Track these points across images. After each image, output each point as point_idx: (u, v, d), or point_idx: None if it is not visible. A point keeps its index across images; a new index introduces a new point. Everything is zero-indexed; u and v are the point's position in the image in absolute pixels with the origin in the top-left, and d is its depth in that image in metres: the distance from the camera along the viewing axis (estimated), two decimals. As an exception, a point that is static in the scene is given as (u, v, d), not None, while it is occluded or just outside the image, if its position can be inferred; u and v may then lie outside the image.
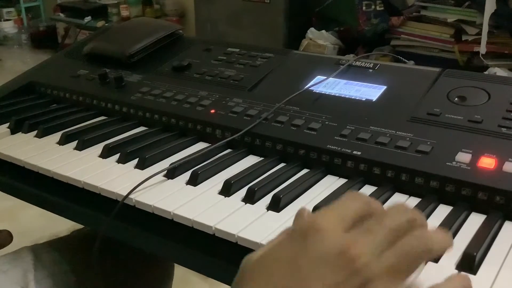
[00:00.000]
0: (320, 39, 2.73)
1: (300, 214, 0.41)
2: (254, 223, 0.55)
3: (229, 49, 0.91)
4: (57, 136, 0.77)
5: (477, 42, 2.32)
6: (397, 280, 0.36)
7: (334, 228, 0.37)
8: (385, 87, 0.75)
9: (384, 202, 0.58)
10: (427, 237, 0.38)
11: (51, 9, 4.71)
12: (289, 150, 0.67)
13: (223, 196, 0.60)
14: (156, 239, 0.59)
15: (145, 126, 0.80)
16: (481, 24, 2.29)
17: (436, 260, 0.47)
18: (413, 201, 0.58)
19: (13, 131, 0.81)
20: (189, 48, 0.95)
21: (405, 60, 0.88)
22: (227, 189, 0.61)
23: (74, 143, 0.75)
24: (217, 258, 0.54)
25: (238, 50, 0.91)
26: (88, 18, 4.12)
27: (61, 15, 4.39)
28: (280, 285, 0.36)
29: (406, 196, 0.59)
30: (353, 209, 0.39)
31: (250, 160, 0.68)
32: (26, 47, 4.76)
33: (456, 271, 0.46)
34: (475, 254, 0.46)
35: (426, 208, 0.55)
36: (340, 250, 0.35)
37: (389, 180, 0.60)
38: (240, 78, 0.82)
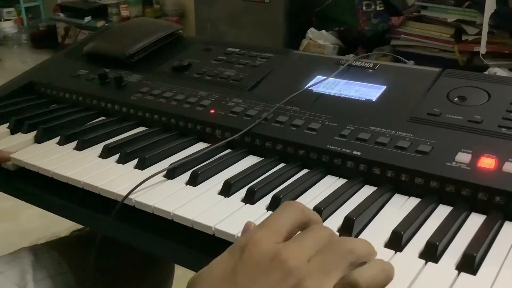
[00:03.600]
0: (320, 39, 2.73)
1: (247, 227, 0.45)
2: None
3: (229, 49, 0.91)
4: (57, 136, 0.77)
5: (477, 42, 2.32)
6: (327, 278, 0.39)
7: (267, 239, 0.41)
8: (385, 87, 0.75)
9: (384, 203, 0.58)
10: (349, 240, 0.42)
11: (51, 9, 4.71)
12: (289, 150, 0.67)
13: (223, 197, 0.60)
14: (156, 239, 0.59)
15: (145, 126, 0.80)
16: (481, 24, 2.29)
17: (436, 260, 0.47)
18: (413, 201, 0.58)
19: (13, 131, 0.81)
20: (189, 48, 0.95)
21: (405, 60, 0.88)
22: (227, 190, 0.61)
23: (74, 143, 0.75)
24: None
25: (238, 50, 0.91)
26: (88, 18, 4.13)
27: (61, 15, 4.40)
28: None
29: (406, 197, 0.59)
30: (287, 220, 0.43)
31: (250, 160, 0.68)
32: (26, 47, 4.76)
33: (456, 271, 0.46)
34: (475, 254, 0.46)
35: (426, 208, 0.55)
36: (273, 255, 0.39)
37: (389, 180, 0.60)
38: (240, 78, 0.82)
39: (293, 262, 0.38)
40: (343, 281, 0.39)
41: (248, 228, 0.46)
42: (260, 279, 0.38)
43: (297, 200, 0.59)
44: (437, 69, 0.76)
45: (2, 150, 0.74)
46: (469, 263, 0.46)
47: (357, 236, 0.52)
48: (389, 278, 0.42)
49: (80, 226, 0.85)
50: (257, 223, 0.54)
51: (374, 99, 0.73)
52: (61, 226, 0.82)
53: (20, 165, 0.72)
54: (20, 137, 0.79)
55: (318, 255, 0.40)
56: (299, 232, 0.43)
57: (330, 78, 0.78)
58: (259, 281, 0.38)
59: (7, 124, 0.83)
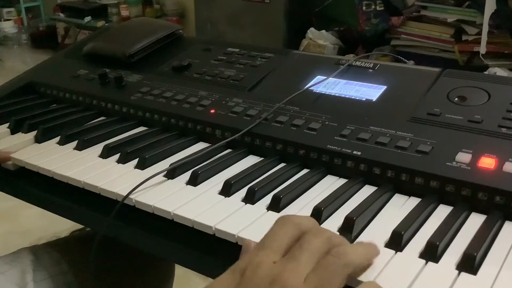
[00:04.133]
0: (320, 39, 2.73)
1: (246, 247, 0.48)
2: (254, 224, 0.54)
3: (229, 49, 0.91)
4: (57, 136, 0.77)
5: (477, 42, 2.32)
6: None
7: (267, 261, 0.42)
8: (385, 87, 0.75)
9: (384, 203, 0.58)
10: (346, 252, 0.43)
11: (51, 9, 4.71)
12: (289, 150, 0.67)
13: (223, 196, 0.60)
14: (156, 239, 0.59)
15: (145, 126, 0.80)
16: (481, 24, 2.29)
17: (437, 260, 0.47)
18: (413, 201, 0.58)
19: (13, 131, 0.81)
20: (189, 48, 0.95)
21: (405, 60, 0.88)
22: (227, 189, 0.61)
23: (74, 143, 0.75)
24: (217, 258, 0.54)
25: (238, 50, 0.91)
26: (88, 18, 4.13)
27: (61, 15, 4.40)
28: None
29: (406, 196, 0.59)
30: (285, 238, 0.44)
31: (250, 160, 0.68)
32: (26, 47, 4.76)
33: (457, 271, 0.46)
34: (475, 254, 0.46)
35: (426, 208, 0.55)
36: (271, 280, 0.40)
37: (389, 180, 0.60)
38: (240, 78, 0.82)
39: (291, 285, 0.40)
40: None
41: (247, 247, 0.48)
42: None
43: (297, 200, 0.59)
44: (437, 69, 0.76)
45: (2, 150, 0.74)
46: (470, 263, 0.46)
47: (357, 236, 0.52)
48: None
49: (80, 226, 0.85)
50: (258, 223, 0.55)
51: (374, 99, 0.73)
52: (61, 226, 0.82)
53: (20, 165, 0.72)
54: (20, 137, 0.79)
55: (314, 273, 0.41)
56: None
57: (330, 78, 0.78)
58: None
59: (7, 124, 0.83)
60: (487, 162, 0.57)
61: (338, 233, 0.47)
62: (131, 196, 0.60)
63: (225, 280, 0.42)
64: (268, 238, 0.45)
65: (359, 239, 0.51)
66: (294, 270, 0.41)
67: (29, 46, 4.74)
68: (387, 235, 0.50)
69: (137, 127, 0.80)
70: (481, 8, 2.28)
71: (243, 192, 0.60)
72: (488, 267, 0.46)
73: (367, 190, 0.60)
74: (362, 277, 0.45)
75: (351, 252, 0.43)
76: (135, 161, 0.69)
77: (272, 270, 0.41)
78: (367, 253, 0.46)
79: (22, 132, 0.80)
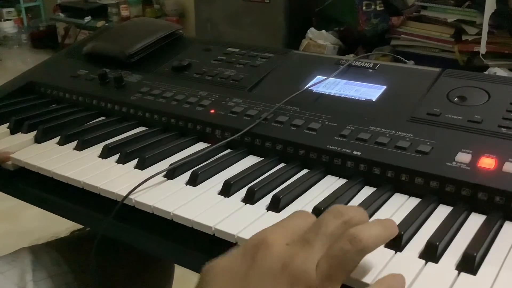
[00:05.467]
0: (320, 39, 2.73)
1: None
2: (254, 224, 0.54)
3: (229, 49, 0.91)
4: (57, 136, 0.77)
5: (477, 42, 2.32)
6: (334, 283, 0.39)
7: (279, 242, 0.41)
8: (385, 87, 0.75)
9: (384, 203, 0.58)
10: (360, 236, 0.40)
11: (51, 9, 4.71)
12: (289, 150, 0.67)
13: (223, 197, 0.60)
14: (156, 239, 0.59)
15: (145, 126, 0.80)
16: (481, 24, 2.29)
17: (437, 260, 0.47)
18: (413, 201, 0.58)
19: (13, 131, 0.81)
20: (189, 48, 0.95)
21: (405, 60, 0.88)
22: (227, 190, 0.61)
23: (74, 143, 0.75)
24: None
25: (238, 50, 0.91)
26: (88, 18, 4.13)
27: (61, 15, 4.40)
28: None
29: (406, 197, 0.59)
30: (298, 224, 0.43)
31: (250, 160, 0.68)
32: (26, 47, 4.76)
33: (456, 271, 0.46)
34: (475, 254, 0.46)
35: (426, 208, 0.55)
36: (282, 264, 0.40)
37: (389, 180, 0.60)
38: (240, 78, 0.82)
39: (301, 273, 0.39)
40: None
41: None
42: (271, 285, 0.39)
43: (297, 200, 0.59)
44: (437, 69, 0.76)
45: (2, 151, 0.74)
46: (469, 263, 0.46)
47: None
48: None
49: (80, 226, 0.85)
50: (257, 223, 0.55)
51: (374, 99, 0.73)
52: (61, 226, 0.82)
53: (20, 165, 0.72)
54: (20, 137, 0.79)
55: (326, 259, 0.40)
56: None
57: (330, 78, 0.78)
58: (270, 287, 0.39)
59: (7, 124, 0.83)
60: (487, 162, 0.57)
61: (360, 208, 0.45)
62: (131, 196, 0.60)
63: (237, 260, 0.41)
64: (282, 222, 0.44)
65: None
66: (307, 256, 0.40)
67: (29, 46, 4.74)
68: (387, 235, 0.50)
69: (137, 127, 0.80)
70: (481, 8, 2.28)
71: (243, 192, 0.60)
72: (488, 267, 0.46)
73: (367, 190, 0.60)
74: (361, 277, 0.45)
75: (367, 237, 0.40)
76: (135, 161, 0.69)
77: (284, 253, 0.40)
78: (384, 235, 0.43)
79: (22, 132, 0.80)
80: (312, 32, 2.76)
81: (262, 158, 0.68)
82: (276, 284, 0.39)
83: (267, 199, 0.58)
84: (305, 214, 0.45)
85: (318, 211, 0.54)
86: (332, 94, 0.75)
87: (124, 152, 0.70)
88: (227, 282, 0.40)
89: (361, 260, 0.41)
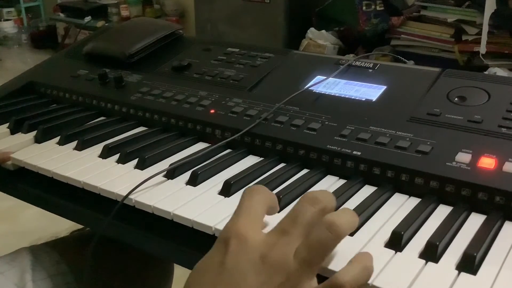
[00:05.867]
0: (320, 39, 2.73)
1: None
2: (254, 223, 0.54)
3: (229, 49, 0.91)
4: (57, 136, 0.77)
5: (477, 42, 2.32)
6: (312, 270, 0.41)
7: (253, 233, 0.42)
8: (385, 87, 0.75)
9: (384, 203, 0.58)
10: (336, 223, 0.41)
11: (51, 9, 4.71)
12: (289, 150, 0.67)
13: (223, 196, 0.60)
14: (156, 239, 0.59)
15: (145, 126, 0.80)
16: (481, 24, 2.29)
17: (437, 260, 0.47)
18: (413, 201, 0.58)
19: (13, 131, 0.81)
20: (189, 48, 0.95)
21: (405, 60, 0.88)
22: (227, 189, 0.61)
23: (74, 143, 0.75)
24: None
25: (238, 50, 0.91)
26: (88, 18, 4.13)
27: (61, 15, 4.40)
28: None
29: (406, 197, 0.59)
30: (259, 206, 0.45)
31: (250, 160, 0.68)
32: (26, 47, 4.76)
33: (457, 271, 0.46)
34: (475, 254, 0.46)
35: (426, 208, 0.55)
36: (261, 255, 0.40)
37: (389, 180, 0.60)
38: (240, 78, 0.82)
39: (280, 263, 0.40)
40: (328, 283, 0.40)
41: None
42: (250, 277, 0.40)
43: (296, 200, 0.59)
44: (437, 69, 0.76)
45: (2, 151, 0.74)
46: (469, 263, 0.46)
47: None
48: (370, 275, 0.43)
49: (80, 226, 0.85)
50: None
51: (374, 99, 0.73)
52: (61, 226, 0.82)
53: (20, 165, 0.72)
54: (20, 137, 0.79)
55: (304, 246, 0.41)
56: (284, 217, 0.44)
57: (330, 78, 0.78)
58: (249, 279, 0.40)
59: (7, 124, 0.83)
60: (487, 162, 0.57)
61: (328, 192, 0.46)
62: (131, 196, 0.60)
63: (212, 254, 0.43)
64: (242, 208, 0.44)
65: (359, 239, 0.51)
66: (285, 246, 0.41)
67: (29, 46, 4.74)
68: (387, 235, 0.50)
69: (137, 127, 0.80)
70: (481, 8, 2.28)
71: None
72: (488, 267, 0.46)
73: (367, 190, 0.60)
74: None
75: (342, 222, 0.42)
76: (135, 161, 0.69)
77: (261, 244, 0.41)
78: (354, 220, 0.45)
79: (22, 132, 0.80)
80: (312, 32, 2.76)
81: (262, 158, 0.68)
82: (256, 275, 0.39)
83: (269, 191, 0.58)
84: (260, 192, 0.46)
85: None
86: (332, 94, 0.75)
87: (124, 152, 0.70)
88: (208, 281, 0.41)
89: (336, 245, 0.42)
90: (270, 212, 0.48)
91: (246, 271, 0.40)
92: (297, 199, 0.45)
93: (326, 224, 0.41)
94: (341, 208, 0.47)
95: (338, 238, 0.42)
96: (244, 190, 0.47)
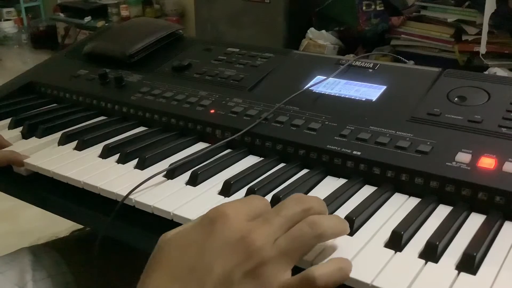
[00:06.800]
0: (320, 39, 2.73)
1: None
2: (254, 223, 0.54)
3: (229, 49, 0.91)
4: (57, 136, 0.77)
5: (477, 42, 2.32)
6: (288, 262, 0.42)
7: (238, 216, 0.43)
8: (385, 87, 0.75)
9: (383, 202, 0.58)
10: (319, 222, 0.43)
11: (51, 9, 4.71)
12: (289, 150, 0.67)
13: (223, 196, 0.60)
14: (156, 239, 0.59)
15: (145, 126, 0.80)
16: (481, 24, 2.29)
17: (436, 260, 0.47)
18: (413, 201, 0.58)
19: (12, 129, 0.81)
20: (189, 48, 0.95)
21: (405, 60, 0.88)
22: (227, 189, 0.61)
23: (74, 143, 0.75)
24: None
25: (238, 50, 0.91)
26: (88, 18, 4.13)
27: (61, 15, 4.40)
28: (188, 264, 0.41)
29: (406, 196, 0.59)
30: (257, 205, 0.45)
31: (250, 160, 0.68)
32: (26, 47, 4.76)
33: (456, 271, 0.46)
34: (475, 254, 0.46)
35: (426, 208, 0.55)
36: (240, 236, 0.41)
37: (389, 180, 0.60)
38: (240, 78, 0.82)
39: (257, 247, 0.41)
40: (301, 275, 0.41)
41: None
42: (226, 255, 0.41)
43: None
44: (437, 69, 0.76)
45: (15, 152, 0.74)
46: (469, 263, 0.46)
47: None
48: (345, 277, 0.44)
49: (80, 226, 0.85)
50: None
51: (374, 99, 0.73)
52: (61, 226, 0.82)
53: (20, 165, 0.72)
54: (19, 135, 0.79)
55: (284, 238, 0.42)
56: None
57: (330, 78, 0.78)
58: (224, 257, 0.40)
59: (7, 124, 0.83)
60: (487, 162, 0.57)
61: (320, 199, 0.48)
62: (131, 196, 0.60)
63: (195, 228, 0.43)
64: (242, 200, 0.46)
65: (359, 239, 0.51)
66: (265, 232, 0.42)
67: (29, 46, 4.74)
68: (386, 235, 0.50)
69: (137, 127, 0.80)
70: (481, 8, 2.28)
71: (243, 192, 0.60)
72: (487, 267, 0.46)
73: (367, 190, 0.60)
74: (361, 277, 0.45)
75: (325, 224, 0.44)
76: (135, 161, 0.69)
77: (242, 227, 0.42)
78: (340, 228, 0.47)
79: (21, 132, 0.80)
80: (312, 32, 2.76)
81: (262, 158, 0.69)
82: (232, 254, 0.40)
83: (267, 199, 0.58)
84: (263, 198, 0.47)
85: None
86: (332, 94, 0.76)
87: (124, 152, 0.70)
88: (183, 251, 0.42)
89: (315, 245, 0.44)
90: None
91: (223, 250, 0.41)
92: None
93: (309, 221, 0.43)
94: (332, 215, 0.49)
95: (318, 237, 0.43)
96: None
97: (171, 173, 0.65)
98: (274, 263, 0.41)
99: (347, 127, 0.66)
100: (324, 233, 0.44)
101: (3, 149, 0.74)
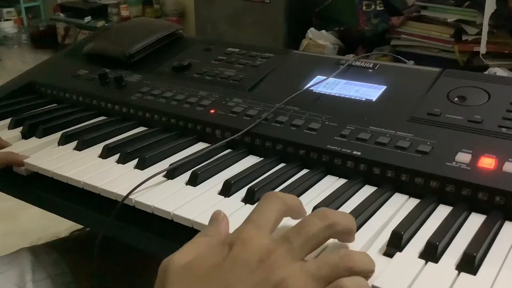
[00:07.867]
0: (320, 39, 2.73)
1: (215, 218, 0.47)
2: (254, 223, 0.54)
3: (229, 49, 0.91)
4: (57, 136, 0.77)
5: (477, 42, 2.32)
6: (316, 285, 0.39)
7: (257, 237, 0.41)
8: (385, 87, 0.75)
9: (383, 202, 0.58)
10: (353, 259, 0.40)
11: (51, 9, 4.71)
12: (289, 150, 0.67)
13: (223, 197, 0.60)
14: (156, 239, 0.59)
15: (145, 126, 0.80)
16: (481, 24, 2.29)
17: (436, 260, 0.47)
18: (413, 201, 0.58)
19: (12, 128, 0.81)
20: (189, 48, 0.95)
21: (405, 60, 0.88)
22: (227, 189, 0.61)
23: (74, 143, 0.75)
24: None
25: (238, 50, 0.91)
26: (88, 18, 4.13)
27: (61, 15, 4.40)
28: None
29: (406, 196, 0.59)
30: (272, 213, 0.44)
31: (250, 160, 0.68)
32: (26, 47, 4.76)
33: (456, 271, 0.46)
34: (475, 254, 0.46)
35: (426, 208, 0.55)
36: (260, 257, 0.40)
37: (389, 180, 0.60)
38: (240, 78, 0.82)
39: (276, 266, 0.39)
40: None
41: (216, 218, 0.47)
42: (247, 279, 0.39)
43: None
44: (437, 69, 0.76)
45: (15, 152, 0.74)
46: (469, 263, 0.46)
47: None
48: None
49: (80, 226, 0.85)
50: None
51: (374, 99, 0.73)
52: (61, 226, 0.82)
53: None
54: (18, 136, 0.79)
55: (315, 263, 0.40)
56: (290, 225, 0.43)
57: (330, 78, 0.78)
58: (245, 280, 0.39)
59: (7, 124, 0.83)
60: (487, 162, 0.57)
61: (346, 214, 0.45)
62: (131, 196, 0.60)
63: (211, 254, 0.42)
64: (254, 213, 0.44)
65: (359, 239, 0.51)
66: (286, 252, 0.40)
67: (29, 46, 4.74)
68: (387, 235, 0.50)
69: (137, 127, 0.80)
70: (481, 8, 2.28)
71: (243, 192, 0.60)
72: (487, 267, 0.46)
73: (367, 190, 0.60)
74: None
75: (358, 260, 0.41)
76: (135, 161, 0.69)
77: (262, 248, 0.40)
78: (371, 269, 0.42)
79: (21, 133, 0.80)
80: (312, 32, 2.76)
81: (262, 158, 0.69)
82: (252, 275, 0.39)
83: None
84: (273, 199, 0.45)
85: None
86: (332, 94, 0.76)
87: (124, 152, 0.70)
88: (202, 278, 0.40)
89: (346, 275, 0.40)
90: (294, 216, 0.47)
91: (241, 272, 0.39)
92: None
93: (342, 253, 0.40)
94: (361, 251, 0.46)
95: (348, 270, 0.40)
96: (263, 195, 0.46)
97: (171, 173, 0.65)
98: (297, 280, 0.39)
99: (347, 127, 0.66)
100: (355, 268, 0.40)
101: (1, 150, 0.73)
